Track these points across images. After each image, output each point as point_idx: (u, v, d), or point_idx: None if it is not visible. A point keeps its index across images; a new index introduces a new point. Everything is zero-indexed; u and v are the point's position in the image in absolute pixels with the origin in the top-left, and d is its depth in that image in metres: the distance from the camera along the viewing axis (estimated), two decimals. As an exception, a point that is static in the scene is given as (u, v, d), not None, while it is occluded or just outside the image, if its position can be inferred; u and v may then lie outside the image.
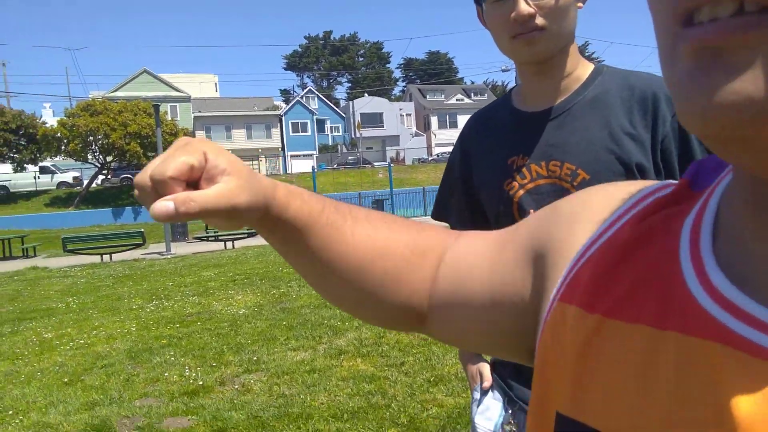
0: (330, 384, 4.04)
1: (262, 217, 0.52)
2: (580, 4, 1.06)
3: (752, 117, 0.24)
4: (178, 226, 19.60)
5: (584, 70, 1.12)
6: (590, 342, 0.34)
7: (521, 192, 1.11)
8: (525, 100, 1.16)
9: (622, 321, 0.33)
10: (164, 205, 0.45)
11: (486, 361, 1.31)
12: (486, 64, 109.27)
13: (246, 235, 16.80)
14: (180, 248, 16.67)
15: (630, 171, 1.02)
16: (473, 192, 1.25)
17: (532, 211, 1.10)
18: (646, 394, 0.30)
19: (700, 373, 0.28)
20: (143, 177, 0.47)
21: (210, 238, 16.18)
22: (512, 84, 46.23)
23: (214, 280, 9.47)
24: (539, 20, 1.01)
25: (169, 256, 14.50)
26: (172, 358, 5.04)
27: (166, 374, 4.61)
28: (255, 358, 4.81)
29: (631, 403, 0.31)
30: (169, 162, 0.46)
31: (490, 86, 67.61)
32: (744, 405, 0.26)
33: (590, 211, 0.43)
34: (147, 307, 7.63)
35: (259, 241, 16.66)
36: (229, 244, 15.87)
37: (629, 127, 1.04)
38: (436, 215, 1.38)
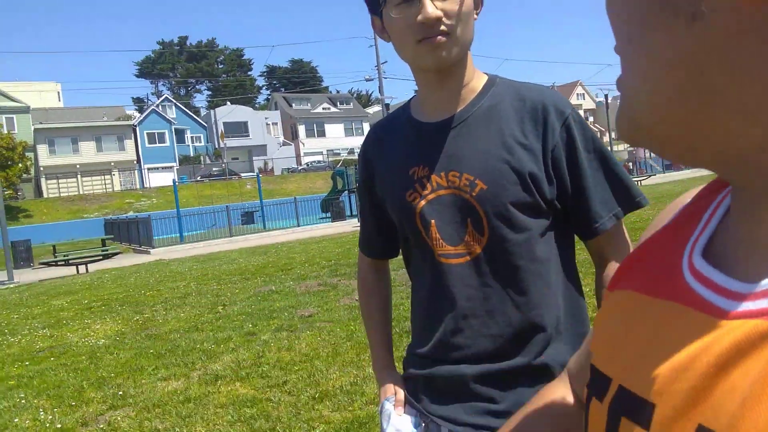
0: (207, 413, 3.82)
1: None
2: (476, 15, 1.08)
3: (636, 129, 0.32)
4: (21, 250, 17.67)
5: (479, 80, 1.14)
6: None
7: (423, 203, 1.12)
8: (423, 110, 1.17)
9: (639, 293, 0.40)
10: None
11: (398, 375, 1.30)
12: (350, 73, 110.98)
13: (101, 257, 15.52)
14: (24, 275, 14.99)
15: (523, 179, 1.06)
16: (379, 202, 1.26)
17: (433, 222, 1.11)
18: (631, 344, 0.38)
19: (672, 330, 0.34)
20: None
21: (59, 263, 14.72)
22: (377, 94, 47.39)
23: (67, 309, 8.61)
24: (444, 25, 1.02)
25: (12, 285, 12.96)
26: (23, 401, 4.48)
27: (16, 420, 4.09)
28: (120, 393, 4.42)
29: (623, 353, 0.39)
30: None
31: (355, 95, 68.76)
32: (690, 348, 0.31)
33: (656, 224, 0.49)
34: (-14, 345, 6.73)
35: (116, 263, 15.47)
36: (82, 268, 14.54)
37: (521, 137, 1.08)
38: (363, 244, 1.39)
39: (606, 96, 37.48)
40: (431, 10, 0.99)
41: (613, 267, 1.14)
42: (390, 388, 1.26)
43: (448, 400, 1.14)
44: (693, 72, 0.28)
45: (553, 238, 1.12)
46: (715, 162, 0.33)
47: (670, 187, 20.03)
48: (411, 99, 1.25)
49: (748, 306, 0.30)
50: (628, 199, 1.13)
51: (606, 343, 0.43)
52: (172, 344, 5.69)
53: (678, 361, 0.32)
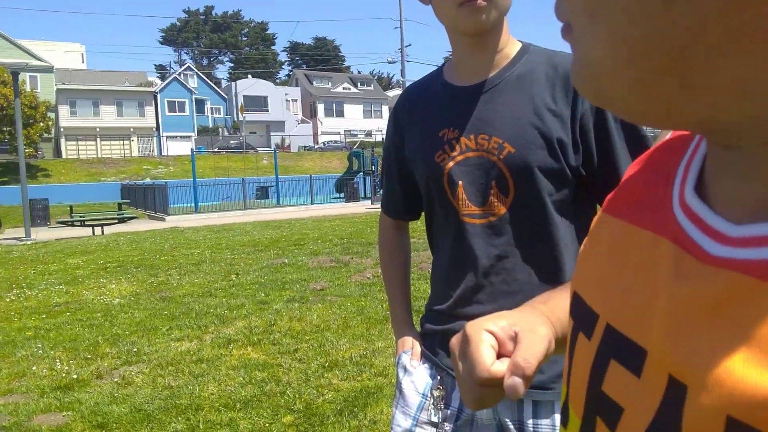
0: (219, 374, 3.92)
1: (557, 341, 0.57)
2: None
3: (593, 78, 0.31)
4: (38, 209, 17.93)
5: (513, 47, 1.17)
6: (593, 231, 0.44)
7: (451, 164, 1.16)
8: (457, 73, 1.20)
9: (625, 221, 0.40)
10: (513, 387, 0.49)
11: (416, 331, 1.35)
12: (373, 55, 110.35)
13: (117, 221, 15.72)
14: (41, 234, 15.25)
15: (551, 145, 1.09)
16: (406, 164, 1.29)
17: (461, 182, 1.15)
18: (617, 278, 0.38)
19: (659, 269, 0.33)
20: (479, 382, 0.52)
21: (75, 223, 14.94)
22: (398, 77, 47.00)
23: (83, 267, 8.78)
24: None
25: (29, 242, 13.20)
26: (40, 351, 4.62)
27: (33, 368, 4.22)
28: (135, 350, 4.53)
29: (609, 287, 0.38)
30: (480, 363, 0.52)
31: (376, 77, 68.41)
32: (674, 294, 0.31)
33: None
34: (6, 296, 6.91)
35: (131, 227, 15.67)
36: (98, 230, 14.76)
37: (552, 104, 1.11)
38: (388, 206, 1.42)
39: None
40: None
41: None
42: (408, 341, 1.31)
43: None
44: (672, 52, 0.26)
45: (576, 204, 1.16)
46: (697, 130, 0.33)
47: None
48: (444, 64, 1.28)
49: (734, 254, 0.28)
50: None
51: (591, 272, 0.42)
52: (186, 307, 5.80)
53: (667, 307, 0.31)
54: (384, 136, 2.27)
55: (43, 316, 5.80)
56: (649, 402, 0.31)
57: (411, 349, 1.30)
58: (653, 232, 0.35)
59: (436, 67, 1.32)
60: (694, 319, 0.29)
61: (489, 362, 0.51)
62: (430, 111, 1.22)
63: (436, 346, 1.25)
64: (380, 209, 1.47)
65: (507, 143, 1.10)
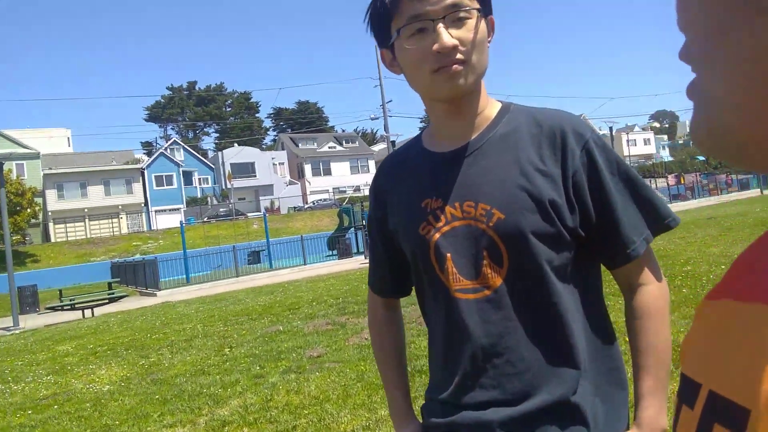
0: (214, 461, 3.67)
1: None
2: (490, 39, 1.05)
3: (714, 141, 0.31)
4: (27, 295, 17.61)
5: (492, 108, 1.10)
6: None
7: (437, 235, 1.06)
8: (436, 140, 1.13)
9: (733, 300, 0.38)
10: None
11: (417, 422, 1.21)
12: (355, 113, 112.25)
13: (107, 301, 15.43)
14: (30, 321, 14.90)
15: (543, 207, 1.00)
16: (391, 238, 1.19)
17: (449, 255, 1.04)
18: (722, 349, 0.37)
19: (763, 334, 0.33)
20: None
21: (65, 307, 14.61)
22: (382, 131, 47.90)
23: (72, 354, 8.48)
24: (460, 53, 0.98)
25: (17, 331, 12.86)
26: (23, 454, 4.34)
27: (14, 474, 3.94)
28: (125, 441, 4.27)
29: (713, 358, 0.37)
30: None
31: (360, 134, 69.48)
32: None
33: None
34: (-11, 394, 6.60)
35: (122, 306, 15.35)
36: (88, 312, 14.43)
37: (539, 164, 1.03)
38: (375, 283, 1.31)
39: (611, 128, 37.68)
40: (447, 38, 0.96)
41: (646, 293, 1.07)
42: None
43: None
44: None
45: (578, 269, 1.05)
46: None
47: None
48: (423, 131, 1.20)
49: None
50: (658, 221, 1.07)
51: (697, 350, 0.41)
52: (178, 389, 5.54)
53: None
54: None
55: (29, 412, 5.51)
56: None
57: None
58: (761, 302, 0.35)
59: (417, 131, 1.24)
60: None
61: None
62: (411, 181, 1.14)
63: None
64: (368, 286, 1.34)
65: (495, 209, 1.01)
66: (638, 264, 1.06)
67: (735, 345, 0.35)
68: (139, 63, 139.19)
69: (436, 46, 0.97)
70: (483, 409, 1.03)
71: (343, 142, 58.61)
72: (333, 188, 52.49)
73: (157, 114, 72.70)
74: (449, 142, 1.09)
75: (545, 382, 1.00)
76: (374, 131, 74.97)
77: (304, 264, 20.89)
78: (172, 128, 74.16)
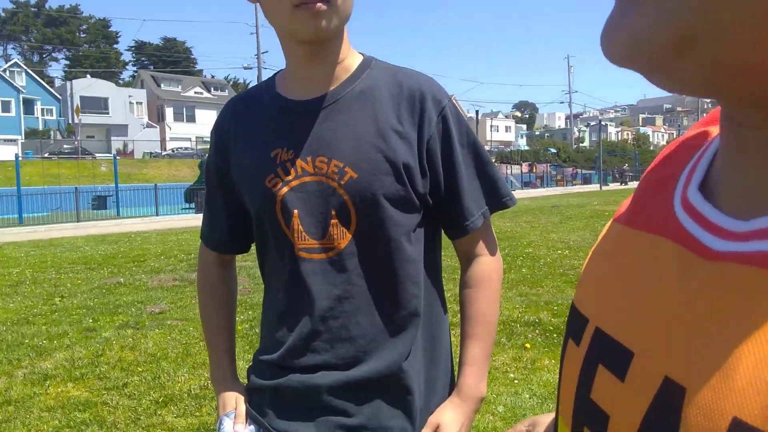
0: (30, 417, 3.37)
1: None
2: None
3: (638, 50, 0.24)
4: None
5: (354, 59, 1.05)
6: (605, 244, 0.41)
7: (285, 189, 1.01)
8: (291, 86, 1.05)
9: (629, 227, 0.38)
10: None
11: (241, 386, 1.16)
12: (227, 60, 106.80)
13: None
14: None
15: (397, 170, 0.99)
16: (233, 188, 1.11)
17: (296, 211, 1.00)
18: (612, 282, 0.36)
19: (656, 268, 0.32)
20: None
21: None
22: (255, 83, 46.06)
23: None
24: None
25: None
26: None
27: None
28: None
29: (603, 291, 0.36)
30: None
31: (231, 83, 66.32)
32: (675, 293, 0.29)
33: None
34: None
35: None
36: None
37: (397, 125, 1.01)
38: (208, 236, 1.21)
39: (477, 111, 39.58)
40: None
41: (481, 265, 1.11)
42: (230, 400, 1.12)
43: (297, 414, 1.03)
44: None
45: (423, 236, 1.07)
46: (748, 99, 0.26)
47: (526, 203, 21.54)
48: (276, 74, 1.12)
49: (738, 247, 0.27)
50: (496, 198, 1.11)
51: (589, 280, 0.40)
52: (-5, 338, 5.00)
53: (660, 306, 0.29)
54: None
55: None
56: (637, 407, 0.29)
57: (234, 410, 1.11)
58: (654, 233, 0.34)
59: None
60: (697, 318, 0.27)
61: None
62: (260, 127, 1.06)
63: (265, 404, 1.07)
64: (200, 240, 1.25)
65: (349, 168, 0.98)
66: (476, 236, 1.10)
67: (628, 279, 0.34)
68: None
69: None
70: (312, 372, 1.02)
71: (212, 88, 55.66)
72: (196, 137, 49.70)
73: (-5, 28, 63.66)
74: (305, 88, 1.03)
75: (378, 349, 1.01)
76: (247, 82, 72.06)
77: (156, 215, 19.69)
78: (13, 48, 65.59)
